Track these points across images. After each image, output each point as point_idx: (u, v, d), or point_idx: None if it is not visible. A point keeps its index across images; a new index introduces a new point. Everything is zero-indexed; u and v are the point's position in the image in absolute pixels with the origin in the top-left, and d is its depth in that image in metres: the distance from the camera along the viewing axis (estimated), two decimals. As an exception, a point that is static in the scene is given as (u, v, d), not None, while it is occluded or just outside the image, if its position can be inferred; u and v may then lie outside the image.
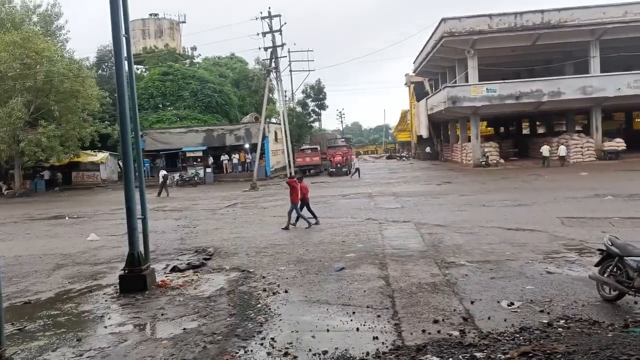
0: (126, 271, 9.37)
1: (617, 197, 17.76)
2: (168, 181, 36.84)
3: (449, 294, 8.01)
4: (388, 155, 71.17)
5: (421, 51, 47.14)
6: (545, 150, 34.58)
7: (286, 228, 15.10)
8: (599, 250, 7.71)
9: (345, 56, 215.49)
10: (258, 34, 34.54)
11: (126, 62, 9.68)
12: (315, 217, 15.77)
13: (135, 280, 9.23)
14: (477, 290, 8.13)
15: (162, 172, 31.86)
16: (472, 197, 20.22)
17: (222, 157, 42.36)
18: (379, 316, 7.17)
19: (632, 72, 35.13)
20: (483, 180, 27.40)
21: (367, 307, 7.61)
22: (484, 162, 35.89)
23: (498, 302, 7.51)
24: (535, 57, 40.64)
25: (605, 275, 7.31)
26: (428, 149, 54.19)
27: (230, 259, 11.64)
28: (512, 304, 7.38)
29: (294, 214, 15.44)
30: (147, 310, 8.10)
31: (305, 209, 15.81)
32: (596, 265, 7.65)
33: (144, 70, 58.00)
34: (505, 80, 36.51)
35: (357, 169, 36.71)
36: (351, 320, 7.05)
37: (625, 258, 7.02)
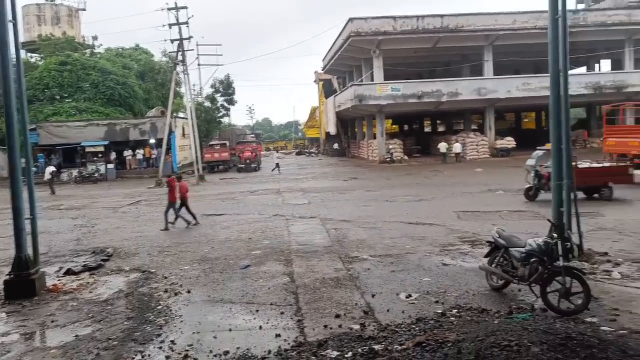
0: (12, 276, 8.69)
1: (507, 191, 19.08)
2: (65, 177, 34.71)
3: (352, 288, 8.21)
4: (297, 152, 71.58)
5: (329, 49, 47.86)
6: (442, 147, 36.63)
7: (165, 229, 14.59)
8: (488, 242, 8.24)
9: (257, 52, 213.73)
10: (164, 26, 33.34)
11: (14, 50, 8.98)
12: (195, 217, 15.20)
13: (22, 286, 8.58)
14: (378, 283, 8.41)
15: (50, 168, 29.88)
16: (377, 193, 20.86)
17: (126, 153, 40.45)
18: (282, 313, 7.20)
19: (521, 75, 38.12)
20: (388, 176, 28.36)
21: (271, 304, 7.62)
22: (388, 159, 37.16)
23: (397, 294, 7.81)
24: (436, 59, 42.69)
25: (493, 265, 7.84)
26: (336, 146, 55.19)
27: (130, 259, 11.17)
28: (410, 295, 7.71)
29: (180, 214, 15.04)
30: (35, 317, 7.56)
31: (184, 209, 15.21)
32: (485, 257, 8.16)
33: (39, 59, 53.92)
34: (409, 80, 38.01)
35: (277, 164, 36.82)
36: (254, 319, 7.02)
37: (510, 249, 7.56)
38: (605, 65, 48.61)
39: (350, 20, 37.33)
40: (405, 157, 39.11)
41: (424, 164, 36.26)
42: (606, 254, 9.46)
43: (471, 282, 8.24)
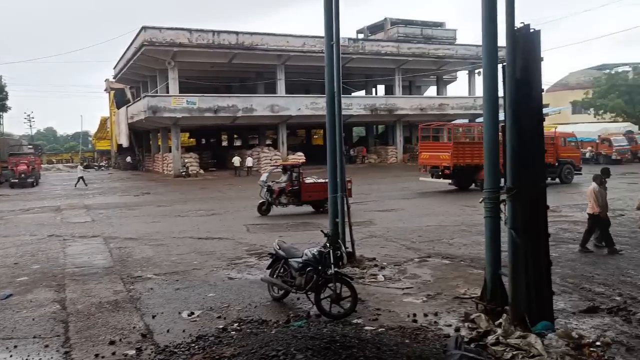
0: None
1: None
2: None
3: (131, 311, 7.77)
4: (85, 165, 65.81)
5: (122, 57, 45.27)
6: (236, 161, 37.48)
7: None
8: (269, 254, 8.55)
9: (42, 54, 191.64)
10: None
11: None
12: None
13: None
14: (160, 303, 8.10)
15: None
16: (168, 208, 20.24)
17: None
18: (47, 346, 6.47)
19: (309, 95, 40.88)
20: (182, 190, 27.76)
21: (34, 337, 6.80)
22: (184, 173, 36.47)
23: (179, 313, 7.61)
24: (232, 74, 43.44)
25: (275, 276, 8.14)
26: (129, 159, 52.40)
27: None
28: (193, 313, 7.58)
29: None
30: None
31: None
32: (268, 268, 8.43)
33: None
34: (205, 94, 37.92)
35: (81, 177, 33.27)
36: (11, 357, 6.18)
37: (289, 260, 7.93)
38: (381, 89, 54.95)
39: (144, 28, 35.88)
40: (201, 171, 38.83)
41: (220, 177, 36.39)
42: (374, 259, 10.53)
43: (254, 295, 8.43)
